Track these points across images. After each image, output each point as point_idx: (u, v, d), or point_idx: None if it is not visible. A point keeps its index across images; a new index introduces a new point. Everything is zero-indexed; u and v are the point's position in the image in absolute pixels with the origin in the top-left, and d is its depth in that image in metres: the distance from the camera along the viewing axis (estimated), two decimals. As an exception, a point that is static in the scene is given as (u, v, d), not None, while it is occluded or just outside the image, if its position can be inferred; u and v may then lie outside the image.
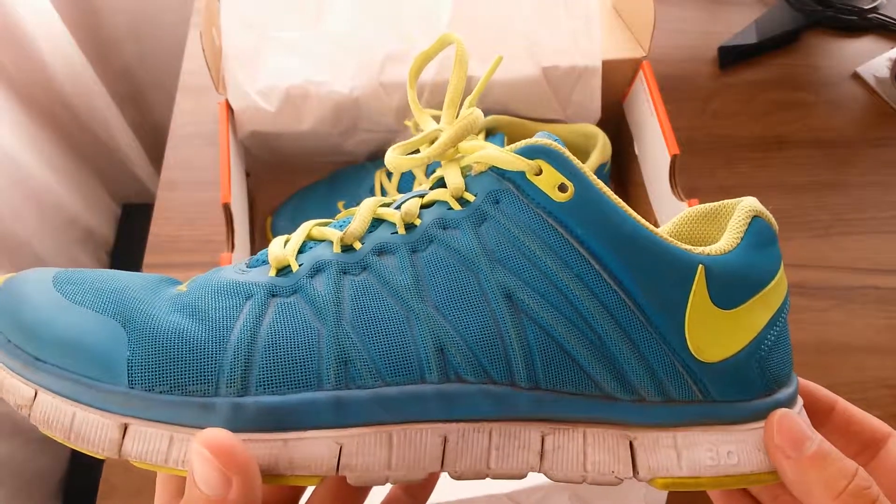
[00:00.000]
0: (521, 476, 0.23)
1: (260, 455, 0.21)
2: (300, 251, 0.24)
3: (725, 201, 0.26)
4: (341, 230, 0.24)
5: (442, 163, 0.25)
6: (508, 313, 0.22)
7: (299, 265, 0.23)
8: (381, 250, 0.23)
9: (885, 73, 0.68)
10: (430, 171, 0.49)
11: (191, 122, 0.62)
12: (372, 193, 0.50)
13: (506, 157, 0.23)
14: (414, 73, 0.26)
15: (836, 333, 0.53)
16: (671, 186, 0.45)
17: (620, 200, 0.23)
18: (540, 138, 0.23)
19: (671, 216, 0.46)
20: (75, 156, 0.93)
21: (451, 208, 0.23)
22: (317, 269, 0.23)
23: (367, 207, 0.24)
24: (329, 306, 0.22)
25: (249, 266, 0.24)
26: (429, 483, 0.28)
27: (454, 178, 0.24)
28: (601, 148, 0.48)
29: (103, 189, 1.04)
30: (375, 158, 0.54)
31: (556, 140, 0.23)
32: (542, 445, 0.22)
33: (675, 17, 0.72)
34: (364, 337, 0.22)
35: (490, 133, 0.48)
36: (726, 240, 0.24)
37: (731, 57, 0.69)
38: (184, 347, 0.21)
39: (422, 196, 0.25)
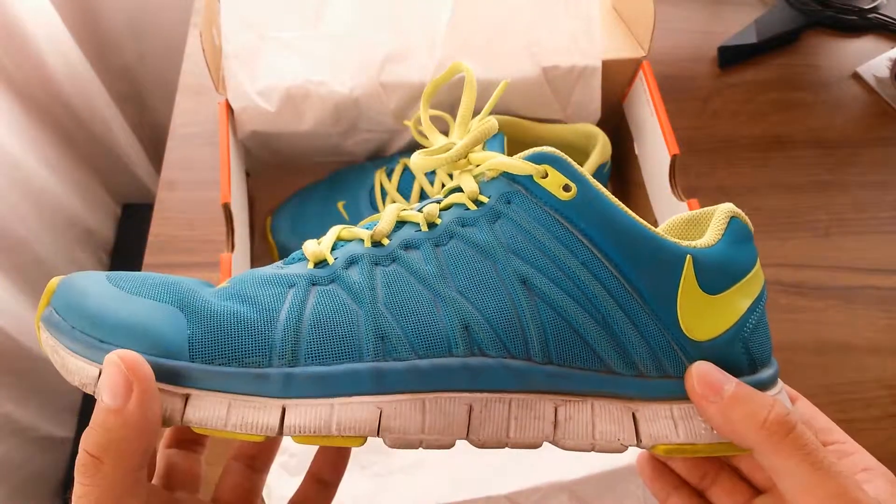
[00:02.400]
0: (537, 445, 0.25)
1: (310, 417, 0.23)
2: (333, 248, 0.27)
3: (706, 208, 0.29)
4: (368, 230, 0.27)
5: (455, 174, 0.28)
6: (524, 297, 0.24)
7: (334, 259, 0.26)
8: (407, 245, 0.26)
9: (885, 73, 0.68)
10: (430, 177, 0.49)
11: (191, 122, 0.62)
12: (372, 193, 0.50)
13: (516, 163, 0.26)
14: (426, 97, 0.29)
15: (836, 333, 0.53)
16: (671, 186, 0.45)
17: (617, 199, 0.25)
18: (544, 148, 0.26)
19: (671, 216, 0.46)
20: (75, 156, 0.93)
21: (468, 209, 0.26)
22: (350, 262, 0.26)
23: (391, 211, 0.27)
24: (365, 291, 0.25)
25: (286, 264, 0.27)
26: (341, 465, 0.31)
27: (469, 184, 0.27)
28: (601, 148, 0.48)
29: (103, 189, 1.04)
30: (375, 158, 0.54)
31: (556, 151, 0.26)
32: (556, 416, 0.25)
33: (675, 17, 0.72)
34: (398, 316, 0.24)
35: (490, 133, 0.48)
36: (709, 236, 0.27)
37: (731, 57, 0.69)
38: (239, 325, 0.24)
39: (439, 202, 0.27)
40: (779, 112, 0.66)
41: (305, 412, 0.23)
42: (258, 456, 0.30)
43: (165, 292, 0.24)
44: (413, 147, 0.52)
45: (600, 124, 0.51)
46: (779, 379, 0.27)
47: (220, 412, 0.23)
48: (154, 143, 1.08)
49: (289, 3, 0.49)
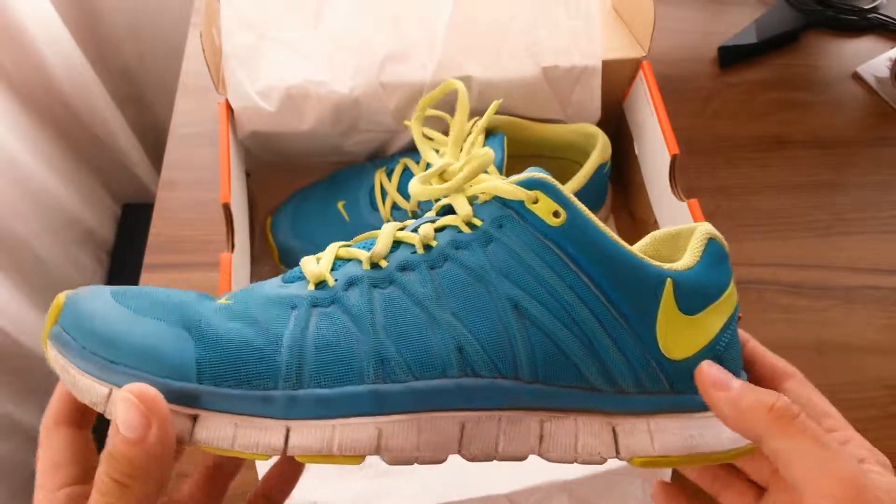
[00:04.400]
0: (524, 458, 0.26)
1: (313, 438, 0.24)
2: (332, 269, 0.27)
3: (684, 226, 0.30)
4: (366, 250, 0.27)
5: (449, 195, 0.28)
6: (515, 320, 0.25)
7: (334, 280, 0.27)
8: (403, 267, 0.27)
9: (885, 73, 0.68)
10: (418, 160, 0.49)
11: (191, 122, 0.62)
12: (372, 193, 0.50)
13: (508, 188, 0.26)
14: (419, 113, 0.30)
15: (836, 333, 0.53)
16: (671, 186, 0.45)
17: (603, 224, 0.27)
18: (535, 172, 0.27)
19: (671, 216, 0.46)
20: (75, 156, 0.93)
21: (461, 231, 0.27)
22: (350, 283, 0.26)
23: (387, 232, 0.28)
24: (364, 315, 0.25)
25: (286, 282, 0.28)
26: (287, 486, 0.32)
27: (463, 206, 0.28)
28: (601, 148, 0.48)
29: (103, 189, 1.04)
30: (375, 158, 0.54)
31: (547, 174, 0.27)
32: (541, 430, 0.26)
33: (675, 17, 0.72)
34: (396, 340, 0.25)
35: (490, 133, 0.48)
36: (688, 258, 0.28)
37: (731, 57, 0.69)
38: (245, 349, 0.24)
39: (433, 221, 0.28)
40: (779, 112, 0.66)
41: (308, 433, 0.24)
42: (273, 495, 0.31)
43: (172, 312, 0.25)
44: (413, 147, 0.52)
45: (600, 124, 0.51)
46: None
47: (227, 433, 0.24)
48: (154, 143, 1.08)
49: (289, 3, 0.49)
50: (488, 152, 0.27)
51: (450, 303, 0.26)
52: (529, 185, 0.26)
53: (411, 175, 0.49)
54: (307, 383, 0.24)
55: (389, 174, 0.50)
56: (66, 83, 0.83)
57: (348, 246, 0.29)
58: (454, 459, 0.26)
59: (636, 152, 0.52)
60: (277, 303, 0.26)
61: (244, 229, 0.47)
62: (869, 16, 0.70)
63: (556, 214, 0.26)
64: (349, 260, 0.28)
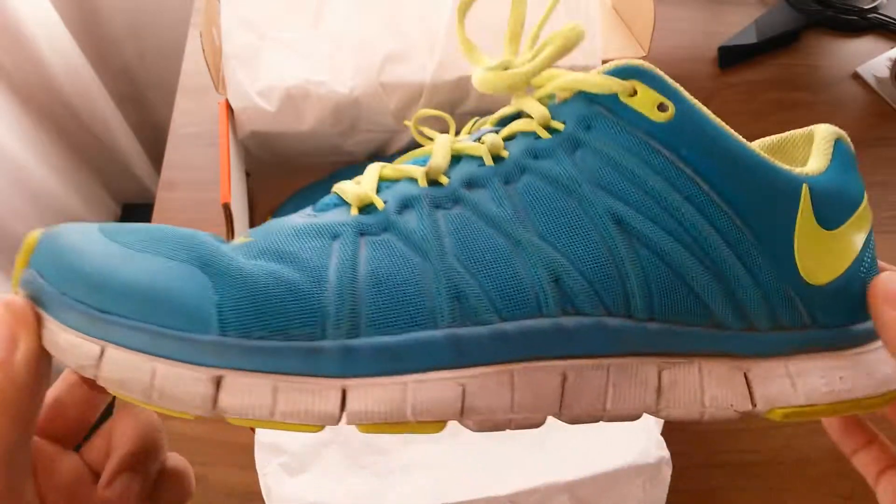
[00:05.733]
0: (637, 417, 0.21)
1: (379, 401, 0.19)
2: (378, 190, 0.22)
3: (792, 132, 0.25)
4: (419, 166, 0.22)
5: (513, 98, 0.23)
6: (620, 238, 0.21)
7: (384, 202, 0.21)
8: (470, 183, 0.22)
9: (885, 73, 0.68)
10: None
11: (191, 122, 0.62)
12: (372, 193, 0.50)
13: (596, 79, 0.22)
14: (462, 11, 0.25)
15: (836, 333, 0.53)
16: (671, 186, 0.45)
17: (720, 120, 0.22)
18: (631, 60, 0.22)
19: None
20: (75, 156, 0.93)
21: (538, 137, 0.22)
22: (404, 205, 0.21)
23: (443, 144, 0.23)
24: (429, 240, 0.20)
25: (318, 211, 0.22)
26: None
27: (536, 108, 0.23)
28: (601, 148, 0.48)
29: (103, 189, 1.04)
30: (375, 158, 0.54)
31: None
32: (660, 381, 0.21)
33: (675, 17, 0.72)
34: (474, 270, 0.20)
35: (490, 133, 0.48)
36: (816, 161, 0.23)
37: (731, 57, 0.69)
38: (281, 288, 0.19)
39: (496, 132, 0.23)
40: (779, 112, 0.66)
41: (372, 394, 0.19)
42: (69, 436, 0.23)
43: (181, 248, 0.19)
44: (413, 147, 0.52)
45: (600, 124, 0.51)
46: None
47: (264, 398, 0.18)
48: (154, 143, 1.08)
49: (289, 3, 0.49)
50: (577, 27, 0.22)
51: (535, 223, 0.21)
52: (623, 73, 0.22)
53: (411, 175, 0.49)
54: (365, 329, 0.19)
55: (389, 174, 0.50)
56: (66, 83, 0.83)
57: (397, 165, 0.23)
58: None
59: (636, 152, 0.52)
60: (313, 233, 0.20)
61: (244, 229, 0.47)
62: (869, 16, 0.70)
63: (661, 108, 0.21)
64: (398, 180, 0.22)
